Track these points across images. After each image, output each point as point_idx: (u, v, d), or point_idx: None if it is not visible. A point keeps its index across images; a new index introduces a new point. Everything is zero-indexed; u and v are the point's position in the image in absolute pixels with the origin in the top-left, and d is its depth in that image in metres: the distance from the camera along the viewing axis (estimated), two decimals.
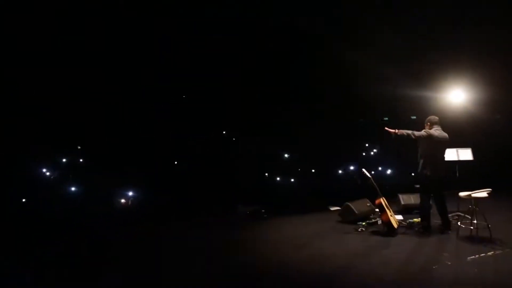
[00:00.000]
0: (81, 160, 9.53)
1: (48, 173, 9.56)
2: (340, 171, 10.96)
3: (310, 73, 9.78)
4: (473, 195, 5.56)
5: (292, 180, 10.55)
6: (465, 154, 7.17)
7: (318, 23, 9.00)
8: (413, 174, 6.41)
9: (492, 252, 5.06)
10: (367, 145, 11.60)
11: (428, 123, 6.30)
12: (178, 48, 8.82)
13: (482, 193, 5.55)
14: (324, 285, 4.32)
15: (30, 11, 7.18)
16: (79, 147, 9.30)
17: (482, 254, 4.98)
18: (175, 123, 9.49)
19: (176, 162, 9.73)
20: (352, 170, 10.78)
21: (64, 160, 9.62)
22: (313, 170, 10.67)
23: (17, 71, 7.73)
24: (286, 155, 10.68)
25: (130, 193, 9.26)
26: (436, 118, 6.31)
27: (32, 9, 7.10)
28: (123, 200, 8.67)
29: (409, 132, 6.11)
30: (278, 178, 10.17)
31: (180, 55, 8.97)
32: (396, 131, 6.03)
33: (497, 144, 10.59)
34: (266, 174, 10.02)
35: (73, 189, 8.82)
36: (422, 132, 6.14)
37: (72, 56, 8.13)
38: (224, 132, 9.92)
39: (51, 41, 7.65)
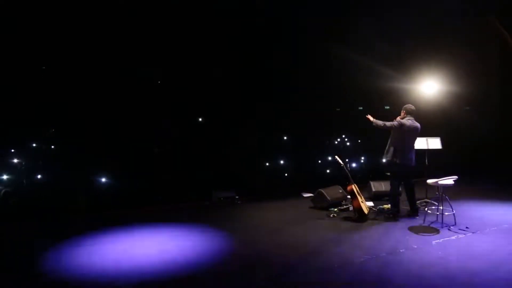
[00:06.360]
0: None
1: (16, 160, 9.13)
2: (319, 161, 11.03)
3: (287, 63, 9.75)
4: (440, 182, 5.76)
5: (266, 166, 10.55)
6: (434, 143, 7.39)
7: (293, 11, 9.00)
8: (384, 160, 6.57)
9: (456, 236, 5.29)
10: (343, 135, 11.74)
11: (404, 111, 6.47)
12: (154, 28, 8.51)
13: (449, 180, 5.76)
14: (296, 269, 4.40)
15: None
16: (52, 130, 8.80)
17: (446, 238, 5.22)
18: (150, 107, 9.24)
19: (151, 148, 9.51)
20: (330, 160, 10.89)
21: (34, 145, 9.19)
22: (281, 160, 10.67)
23: None
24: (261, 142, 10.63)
25: (103, 179, 9.06)
26: (412, 107, 6.45)
27: None
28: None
29: (381, 123, 6.37)
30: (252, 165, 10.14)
31: (157, 36, 8.66)
32: (372, 120, 6.42)
33: (465, 134, 10.95)
34: (242, 161, 9.95)
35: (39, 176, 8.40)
36: (394, 122, 6.31)
37: (43, 30, 7.58)
38: (200, 119, 9.75)
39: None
